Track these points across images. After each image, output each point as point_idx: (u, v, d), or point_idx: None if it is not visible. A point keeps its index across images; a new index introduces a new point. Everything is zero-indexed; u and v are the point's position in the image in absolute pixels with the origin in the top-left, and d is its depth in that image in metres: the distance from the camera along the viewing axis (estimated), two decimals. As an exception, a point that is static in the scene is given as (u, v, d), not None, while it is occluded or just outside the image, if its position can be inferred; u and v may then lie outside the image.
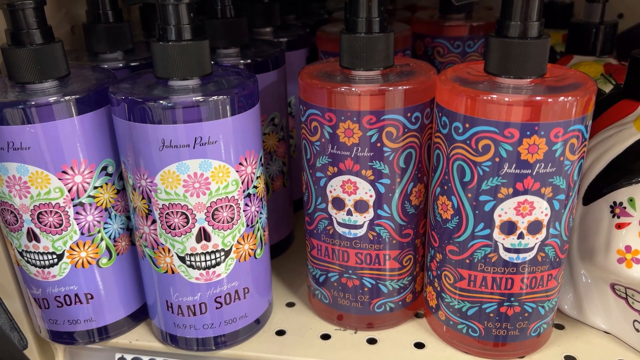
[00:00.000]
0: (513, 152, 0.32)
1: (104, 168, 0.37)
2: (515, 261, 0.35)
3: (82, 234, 0.37)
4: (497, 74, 0.32)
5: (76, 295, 0.39)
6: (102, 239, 0.38)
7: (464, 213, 0.35)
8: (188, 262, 0.37)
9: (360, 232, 0.38)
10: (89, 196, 0.37)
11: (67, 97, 0.34)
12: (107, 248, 0.39)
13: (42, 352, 0.44)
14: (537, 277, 0.36)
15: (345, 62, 0.36)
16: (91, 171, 0.36)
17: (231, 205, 0.36)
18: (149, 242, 0.37)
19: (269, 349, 0.41)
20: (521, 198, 0.33)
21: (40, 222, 0.36)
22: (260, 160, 0.38)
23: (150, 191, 0.35)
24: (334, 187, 0.37)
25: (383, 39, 0.35)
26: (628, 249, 0.36)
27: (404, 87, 0.34)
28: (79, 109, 0.35)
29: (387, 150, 0.35)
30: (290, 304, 0.46)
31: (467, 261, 0.36)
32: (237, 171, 0.35)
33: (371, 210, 0.37)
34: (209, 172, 0.34)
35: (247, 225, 0.38)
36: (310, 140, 0.37)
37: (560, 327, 0.42)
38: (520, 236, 0.34)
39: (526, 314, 0.37)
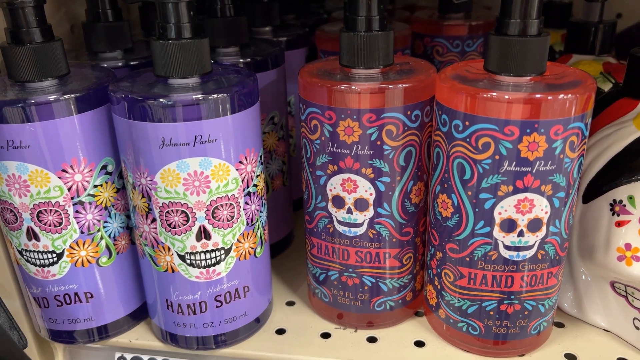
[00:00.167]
0: (513, 150, 0.32)
1: (104, 167, 0.37)
2: (515, 259, 0.35)
3: (81, 232, 0.37)
4: (497, 72, 0.33)
5: (76, 294, 0.39)
6: (101, 238, 0.38)
7: (464, 211, 0.35)
8: (188, 261, 0.37)
9: (360, 231, 0.38)
10: (89, 195, 0.37)
11: (66, 96, 0.34)
12: (107, 247, 0.39)
13: (41, 352, 0.44)
14: (537, 275, 0.36)
15: (345, 61, 0.36)
16: (91, 170, 0.36)
17: (231, 204, 0.36)
18: (149, 241, 0.37)
19: (269, 347, 0.41)
20: (521, 196, 0.33)
21: (40, 221, 0.36)
22: (260, 158, 0.38)
23: (150, 190, 0.35)
24: (334, 186, 0.37)
25: (383, 37, 0.35)
26: (628, 246, 0.36)
27: (404, 85, 0.34)
28: (79, 108, 0.35)
29: (387, 149, 0.35)
30: (290, 303, 0.46)
31: (467, 259, 0.36)
32: (237, 169, 0.35)
33: (371, 209, 0.37)
34: (209, 170, 0.34)
35: (247, 224, 0.38)
36: (310, 139, 0.37)
37: (560, 325, 0.42)
38: (520, 234, 0.34)
39: (526, 312, 0.37)
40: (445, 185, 0.35)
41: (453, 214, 0.36)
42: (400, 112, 0.35)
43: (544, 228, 0.34)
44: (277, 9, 0.53)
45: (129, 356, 0.43)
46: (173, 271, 0.37)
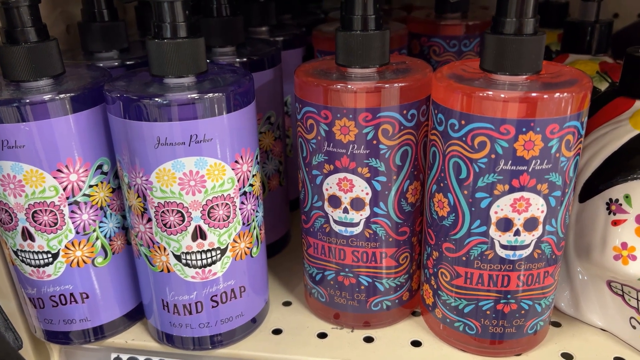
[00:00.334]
0: (509, 149, 0.32)
1: (99, 166, 0.37)
2: (511, 258, 0.35)
3: (77, 233, 0.37)
4: (493, 71, 0.33)
5: (71, 294, 0.39)
6: (97, 238, 0.38)
7: (460, 210, 0.35)
8: (184, 261, 0.37)
9: (357, 230, 0.38)
10: (84, 195, 0.37)
11: (62, 95, 0.34)
12: (103, 247, 0.39)
13: (37, 352, 0.44)
14: (533, 274, 0.36)
15: (341, 60, 0.36)
16: (86, 170, 0.36)
17: (227, 204, 0.36)
18: (145, 241, 0.37)
19: (265, 348, 0.41)
20: (517, 195, 0.33)
21: (35, 221, 0.36)
22: (256, 158, 0.38)
23: (146, 189, 0.35)
24: (330, 185, 0.37)
25: (379, 36, 0.35)
26: (624, 245, 0.36)
27: (400, 85, 0.34)
28: (74, 107, 0.35)
29: (383, 148, 0.35)
30: (286, 303, 0.46)
31: (464, 258, 0.36)
32: (233, 169, 0.35)
33: (367, 208, 0.37)
34: (204, 170, 0.34)
35: (243, 224, 0.38)
36: (306, 138, 0.37)
37: (556, 324, 0.42)
38: (517, 233, 0.34)
39: (523, 312, 0.37)
40: (442, 185, 0.35)
41: (449, 213, 0.36)
42: (396, 112, 0.35)
43: (540, 227, 0.34)
44: (274, 9, 0.53)
45: (125, 357, 0.43)
46: (169, 271, 0.37)
